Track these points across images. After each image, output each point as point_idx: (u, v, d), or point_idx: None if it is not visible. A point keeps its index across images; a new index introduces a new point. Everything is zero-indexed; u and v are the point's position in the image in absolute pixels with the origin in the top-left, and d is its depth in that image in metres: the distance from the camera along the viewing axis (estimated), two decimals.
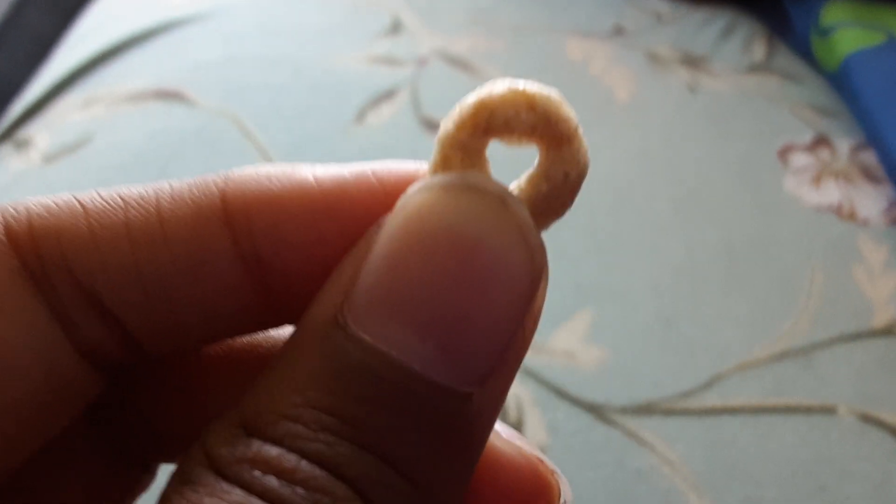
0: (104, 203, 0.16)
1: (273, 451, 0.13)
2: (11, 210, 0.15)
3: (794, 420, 0.47)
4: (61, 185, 0.59)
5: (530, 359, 0.49)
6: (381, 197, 0.16)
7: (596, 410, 0.46)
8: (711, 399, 0.48)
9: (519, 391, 0.47)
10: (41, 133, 0.64)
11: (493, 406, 0.15)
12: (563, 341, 0.50)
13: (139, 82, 0.69)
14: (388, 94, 0.70)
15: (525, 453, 0.18)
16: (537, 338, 0.50)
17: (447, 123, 0.15)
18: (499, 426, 0.18)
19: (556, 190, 0.15)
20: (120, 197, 0.16)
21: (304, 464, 0.13)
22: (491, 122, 0.14)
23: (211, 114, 0.66)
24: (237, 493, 0.13)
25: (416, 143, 0.64)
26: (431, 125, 0.66)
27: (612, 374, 0.48)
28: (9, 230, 0.15)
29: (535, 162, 0.16)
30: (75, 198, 0.16)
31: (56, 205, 0.16)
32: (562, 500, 0.18)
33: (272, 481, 0.13)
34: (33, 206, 0.16)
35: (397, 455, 0.13)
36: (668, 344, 0.51)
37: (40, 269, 0.15)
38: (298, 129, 0.65)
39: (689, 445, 0.45)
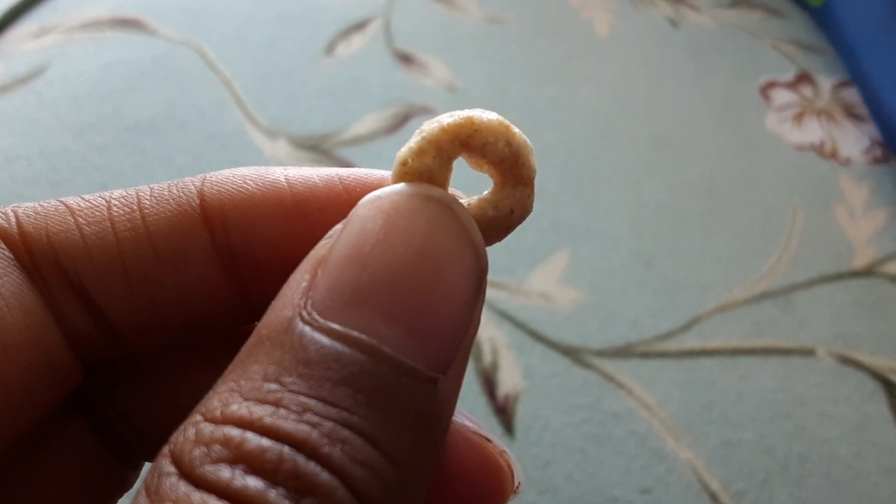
0: (88, 203, 0.17)
1: (253, 440, 0.13)
2: None
3: (772, 362, 0.46)
4: (13, 116, 0.56)
5: (506, 301, 0.47)
6: (346, 201, 0.17)
7: (572, 353, 0.45)
8: (690, 341, 0.47)
9: (494, 334, 0.46)
10: None
11: (453, 392, 0.15)
12: (539, 282, 0.49)
13: (96, 10, 0.65)
14: (359, 25, 0.67)
15: (471, 435, 0.18)
16: (513, 279, 0.49)
17: (433, 123, 0.16)
18: None
19: (500, 220, 0.17)
20: (103, 198, 0.17)
21: (286, 451, 0.12)
22: (472, 138, 0.16)
23: (172, 43, 0.63)
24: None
25: (387, 76, 0.62)
26: (404, 58, 0.64)
27: (589, 316, 0.47)
28: None
29: (487, 191, 0.17)
30: (60, 201, 0.17)
31: (42, 206, 0.17)
32: (515, 483, 0.18)
33: (254, 482, 0.12)
34: (20, 208, 0.17)
35: (378, 436, 0.13)
36: (646, 285, 0.49)
37: (31, 264, 0.16)
38: (265, 61, 0.62)
39: (667, 388, 0.44)
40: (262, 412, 0.13)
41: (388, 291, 0.14)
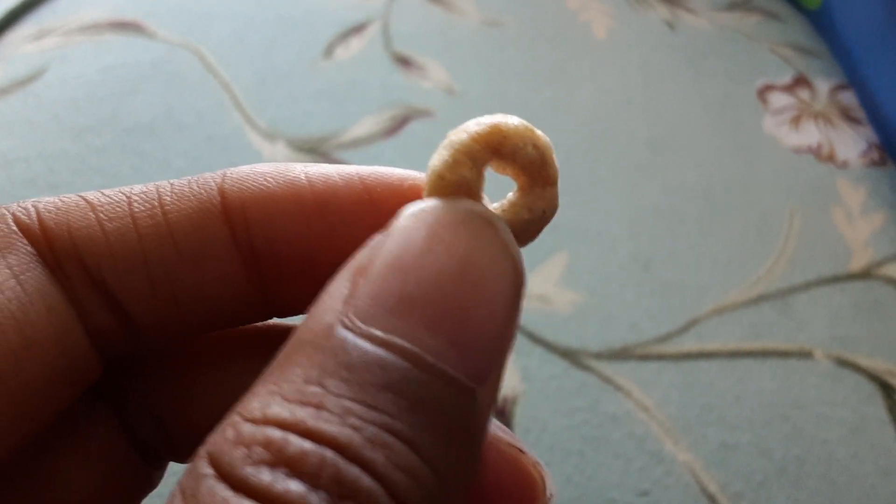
0: (109, 199, 0.17)
1: (295, 443, 0.12)
2: (18, 206, 0.16)
3: (770, 364, 0.46)
4: (12, 119, 0.56)
5: None
6: (367, 200, 0.18)
7: (571, 356, 0.45)
8: (688, 343, 0.47)
9: None
10: None
11: (490, 403, 0.15)
12: (537, 285, 0.49)
13: (94, 13, 0.65)
14: (357, 28, 0.67)
15: (505, 447, 0.18)
16: None
17: (462, 134, 0.16)
18: None
19: (534, 223, 0.18)
20: (123, 193, 0.17)
21: (328, 455, 0.12)
22: (502, 144, 0.16)
23: (170, 46, 0.63)
24: None
25: (386, 79, 0.62)
26: (403, 60, 0.64)
27: (587, 319, 0.47)
28: (19, 224, 0.16)
29: (512, 194, 0.17)
30: (81, 196, 0.17)
31: (63, 201, 0.17)
32: (547, 494, 0.18)
33: (296, 486, 0.12)
34: (40, 203, 0.17)
35: (420, 442, 0.13)
36: (644, 287, 0.50)
37: (53, 259, 0.16)
38: (263, 64, 0.62)
39: (665, 390, 0.44)
40: (304, 414, 0.13)
41: (432, 302, 0.14)
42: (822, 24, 0.74)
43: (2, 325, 0.15)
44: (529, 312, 0.47)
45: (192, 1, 0.67)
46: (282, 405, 0.13)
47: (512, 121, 0.17)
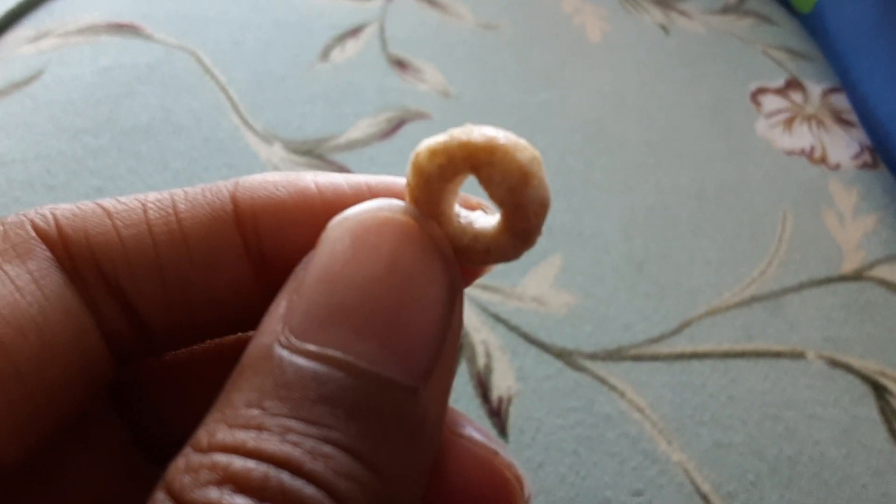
0: (125, 206, 0.17)
1: (238, 462, 0.13)
2: (36, 213, 0.17)
3: (762, 365, 0.47)
4: (9, 121, 0.56)
5: (500, 305, 0.48)
6: None
7: (565, 356, 0.46)
8: (681, 344, 0.47)
9: (487, 337, 0.46)
10: None
11: (438, 402, 0.16)
12: (532, 286, 0.49)
13: (92, 15, 0.66)
14: (353, 31, 0.67)
15: (478, 448, 0.19)
16: (507, 284, 0.49)
17: (467, 132, 0.16)
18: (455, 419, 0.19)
19: (474, 252, 0.17)
20: (138, 200, 0.18)
21: (271, 470, 0.13)
22: (483, 167, 0.15)
23: (167, 49, 0.63)
24: None
25: (382, 82, 0.62)
26: (399, 63, 0.64)
27: (581, 320, 0.48)
28: (38, 230, 0.17)
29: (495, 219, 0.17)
30: (97, 203, 0.17)
31: (80, 208, 0.17)
32: (525, 496, 0.19)
33: (241, 500, 0.13)
34: (58, 209, 0.17)
35: (360, 448, 0.14)
36: (638, 288, 0.50)
37: (70, 265, 0.17)
38: (260, 66, 0.63)
39: (659, 391, 0.45)
40: (245, 437, 0.13)
41: (360, 307, 0.15)
42: (814, 27, 0.74)
43: (23, 328, 0.15)
44: (524, 314, 0.48)
45: (188, 4, 0.67)
46: (225, 431, 0.14)
47: (520, 153, 0.15)
